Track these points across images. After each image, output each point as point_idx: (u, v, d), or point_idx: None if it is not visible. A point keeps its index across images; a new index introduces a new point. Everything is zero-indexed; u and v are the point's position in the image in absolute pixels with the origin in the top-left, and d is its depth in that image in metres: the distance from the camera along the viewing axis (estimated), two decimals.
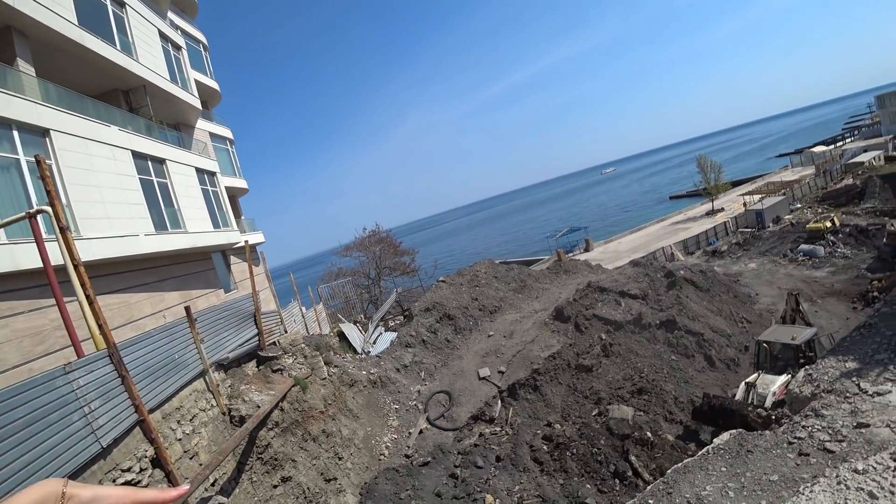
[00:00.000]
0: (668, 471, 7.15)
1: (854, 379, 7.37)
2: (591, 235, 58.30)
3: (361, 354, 20.15)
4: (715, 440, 7.49)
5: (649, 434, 15.41)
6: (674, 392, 18.16)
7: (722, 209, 55.28)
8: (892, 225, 29.48)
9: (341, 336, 21.49)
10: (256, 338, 13.80)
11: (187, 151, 19.54)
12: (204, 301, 17.91)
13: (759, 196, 51.77)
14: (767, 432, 7.03)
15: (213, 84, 26.34)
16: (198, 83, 23.58)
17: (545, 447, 15.06)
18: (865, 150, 55.30)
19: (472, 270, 28.32)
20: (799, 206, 44.36)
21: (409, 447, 14.99)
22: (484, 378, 18.62)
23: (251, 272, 14.68)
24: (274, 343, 14.87)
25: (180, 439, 8.64)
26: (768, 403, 13.04)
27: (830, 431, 6.42)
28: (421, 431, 15.89)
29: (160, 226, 15.79)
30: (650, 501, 6.53)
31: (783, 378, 14.25)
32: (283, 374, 13.38)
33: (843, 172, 49.47)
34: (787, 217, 41.72)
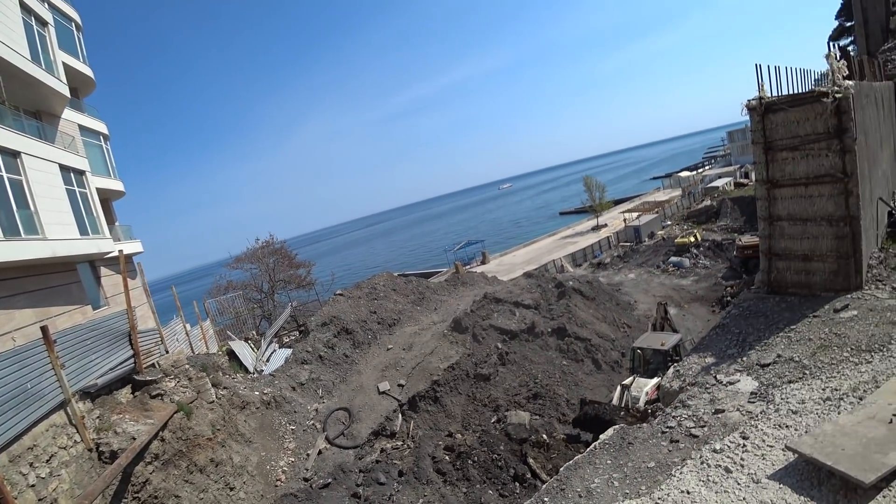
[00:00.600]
0: (561, 468, 7.62)
1: (712, 372, 8.39)
2: (487, 248, 60.33)
3: (254, 374, 18.92)
4: (601, 436, 8.13)
5: (545, 436, 16.18)
6: (566, 395, 19.27)
7: (605, 225, 60.13)
8: (740, 240, 34.16)
9: (231, 355, 19.99)
10: (132, 360, 12.43)
11: (50, 145, 16.95)
12: (67, 319, 15.67)
13: (637, 214, 57.19)
14: (645, 425, 7.79)
15: (87, 70, 22.90)
16: (67, 67, 20.34)
17: (447, 457, 15.19)
18: (720, 177, 63.46)
19: (370, 283, 27.96)
20: (669, 223, 49.66)
21: (307, 469, 14.29)
22: (384, 392, 18.38)
23: (126, 286, 13.23)
24: (153, 365, 13.46)
25: (34, 485, 7.46)
26: (641, 404, 14.21)
27: (695, 419, 7.26)
28: (320, 452, 15.24)
29: (10, 230, 13.50)
30: (545, 499, 6.88)
31: (655, 380, 15.43)
32: (164, 399, 12.15)
33: (703, 195, 56.27)
34: (660, 233, 46.50)
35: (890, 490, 4.97)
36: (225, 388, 15.40)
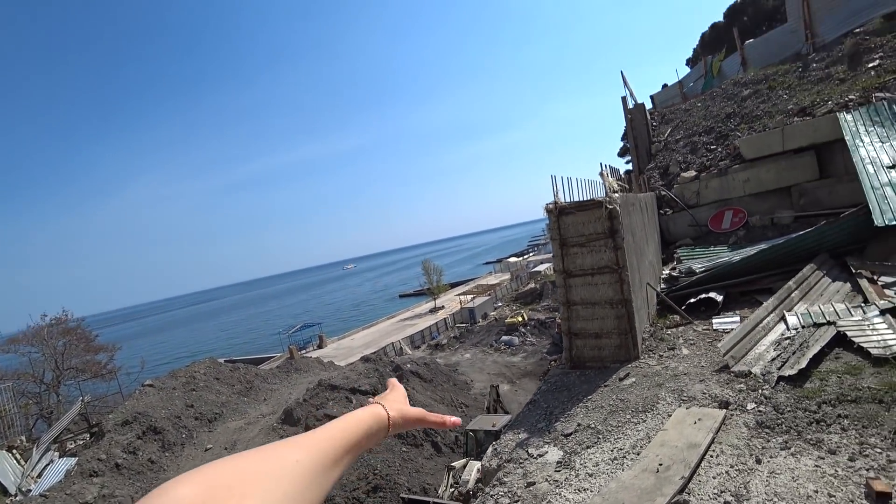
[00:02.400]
0: None
1: (524, 446, 9.05)
2: (325, 331, 58.50)
3: (15, 496, 14.97)
4: None
5: None
6: (406, 483, 18.70)
7: (443, 307, 62.83)
8: (558, 318, 38.51)
9: None
10: None
11: None
12: None
13: (472, 296, 61.17)
14: None
15: None
16: None
17: None
18: (542, 262, 71.84)
19: (188, 371, 24.93)
20: (500, 304, 53.92)
21: None
22: None
23: None
24: None
25: None
26: (471, 483, 14.32)
27: (510, 495, 7.66)
28: None
29: None
30: None
31: None
32: None
33: (528, 278, 62.85)
34: (492, 313, 50.10)
35: None
36: None
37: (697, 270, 16.80)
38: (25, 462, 17.13)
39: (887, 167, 15.92)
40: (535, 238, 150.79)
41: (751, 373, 9.35)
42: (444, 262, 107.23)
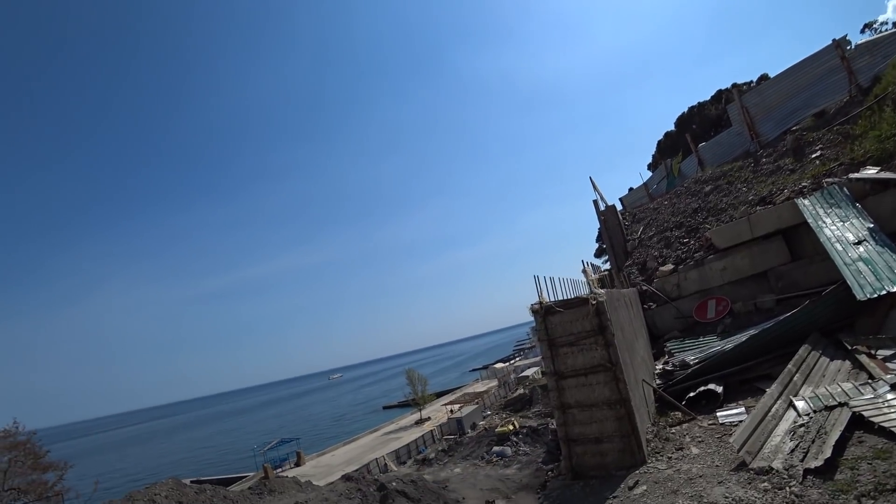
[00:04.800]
0: None
1: None
2: (303, 447, 54.35)
3: None
4: None
5: None
6: None
7: (429, 418, 59.56)
8: (552, 424, 36.50)
9: None
10: None
11: None
12: None
13: (459, 405, 58.36)
14: None
15: None
16: None
17: None
18: (530, 367, 69.69)
19: (147, 494, 21.93)
20: (489, 412, 51.29)
21: None
22: None
23: None
24: None
25: None
26: None
27: None
28: None
29: None
30: None
31: None
32: None
33: (516, 384, 60.51)
34: (481, 423, 47.35)
35: None
36: None
37: (691, 362, 16.25)
38: None
39: (853, 244, 16.35)
40: (521, 342, 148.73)
41: (772, 468, 8.53)
42: (429, 370, 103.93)
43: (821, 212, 18.72)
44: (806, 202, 19.60)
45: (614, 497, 9.56)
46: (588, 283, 11.73)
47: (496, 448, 37.96)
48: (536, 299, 11.92)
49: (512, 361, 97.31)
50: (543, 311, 11.65)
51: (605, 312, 11.01)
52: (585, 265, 15.43)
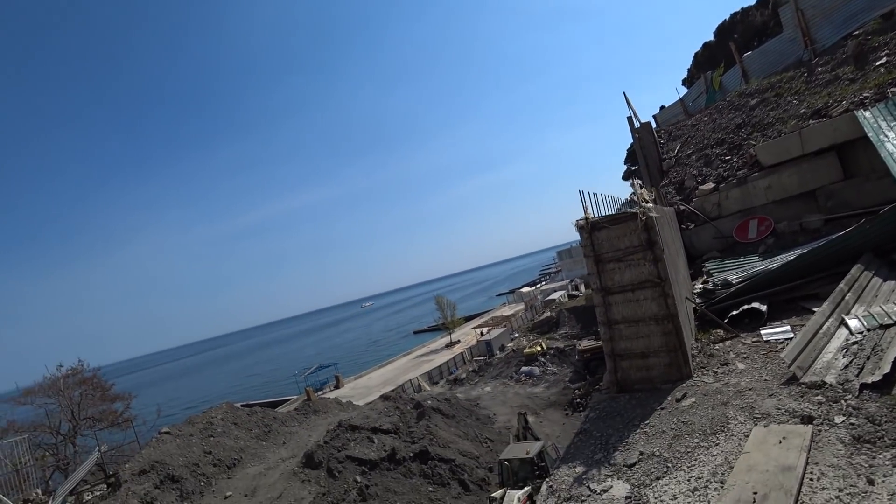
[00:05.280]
0: None
1: (584, 482, 8.19)
2: (341, 372, 57.38)
3: None
4: None
5: None
6: None
7: (459, 341, 61.67)
8: (579, 345, 37.33)
9: None
10: None
11: None
12: None
13: (487, 328, 59.96)
14: None
15: None
16: None
17: None
18: (555, 291, 70.46)
19: (205, 417, 24.09)
20: (517, 335, 52.66)
21: None
22: None
23: None
24: None
25: None
26: None
27: None
28: None
29: None
30: None
31: (526, 489, 15.58)
32: None
33: (543, 307, 61.50)
34: (510, 345, 48.85)
35: None
36: None
37: (734, 282, 16.01)
38: None
39: None
40: (547, 266, 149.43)
41: (825, 383, 8.53)
42: (457, 296, 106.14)
43: (883, 125, 17.45)
44: (867, 114, 18.24)
45: (662, 408, 9.78)
46: (637, 198, 11.32)
47: (524, 368, 39.37)
48: (580, 216, 11.63)
49: (538, 286, 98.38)
50: (589, 227, 11.43)
51: (655, 227, 10.76)
52: (633, 181, 14.87)
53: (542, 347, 41.82)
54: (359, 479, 19.58)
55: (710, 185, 23.82)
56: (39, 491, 19.06)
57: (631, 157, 59.66)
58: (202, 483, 19.02)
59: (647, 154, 31.43)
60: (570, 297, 61.17)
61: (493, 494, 16.31)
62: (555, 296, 64.45)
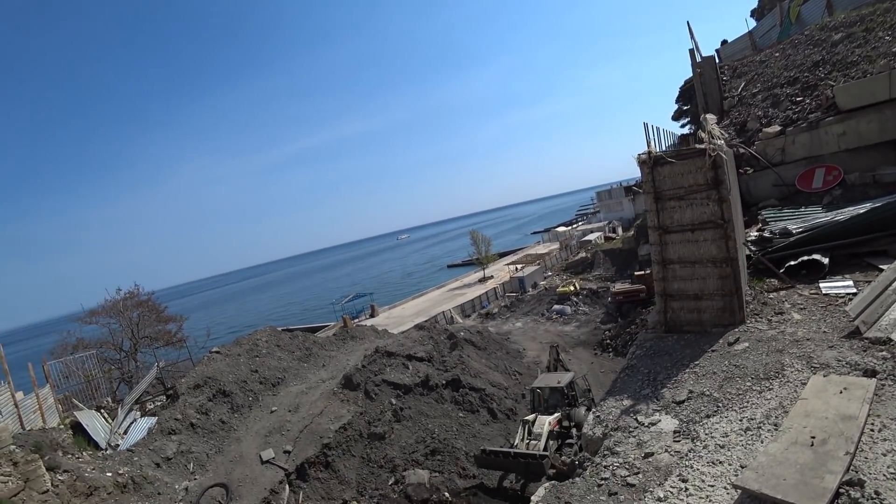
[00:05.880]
0: None
1: (631, 414, 8.30)
2: (376, 301, 59.07)
3: (106, 450, 15.54)
4: (532, 497, 7.50)
5: (447, 494, 15.64)
6: (464, 448, 18.73)
7: (492, 277, 62.11)
8: (614, 287, 37.11)
9: (77, 428, 16.27)
10: None
11: None
12: None
13: (521, 265, 60.04)
14: (578, 479, 7.34)
15: None
16: None
17: None
18: (592, 232, 69.27)
19: (251, 339, 25.42)
20: (550, 273, 52.61)
21: None
22: (268, 461, 16.25)
23: None
24: None
25: None
26: (544, 437, 15.24)
27: (627, 466, 6.97)
28: None
29: None
30: None
31: (555, 415, 16.78)
32: None
33: (578, 248, 60.84)
34: (542, 283, 48.96)
35: None
36: (65, 471, 12.27)
37: (794, 231, 15.23)
38: (112, 421, 17.98)
39: None
40: (584, 207, 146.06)
41: (890, 339, 8.18)
42: (491, 232, 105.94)
43: None
44: None
45: (713, 351, 9.67)
46: (707, 134, 10.59)
47: (556, 306, 39.61)
48: (643, 150, 11.05)
49: (574, 226, 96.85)
50: (652, 162, 10.88)
51: (723, 165, 10.18)
52: (704, 116, 13.89)
53: (576, 287, 41.76)
54: (394, 401, 20.61)
55: (776, 128, 22.20)
56: (109, 399, 21.02)
57: (683, 96, 55.98)
58: (250, 398, 20.34)
59: (707, 91, 29.37)
60: (607, 238, 60.21)
61: (526, 418, 17.25)
62: (591, 237, 63.49)
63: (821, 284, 12.07)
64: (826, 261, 13.33)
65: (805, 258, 13.70)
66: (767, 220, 18.46)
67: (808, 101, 22.53)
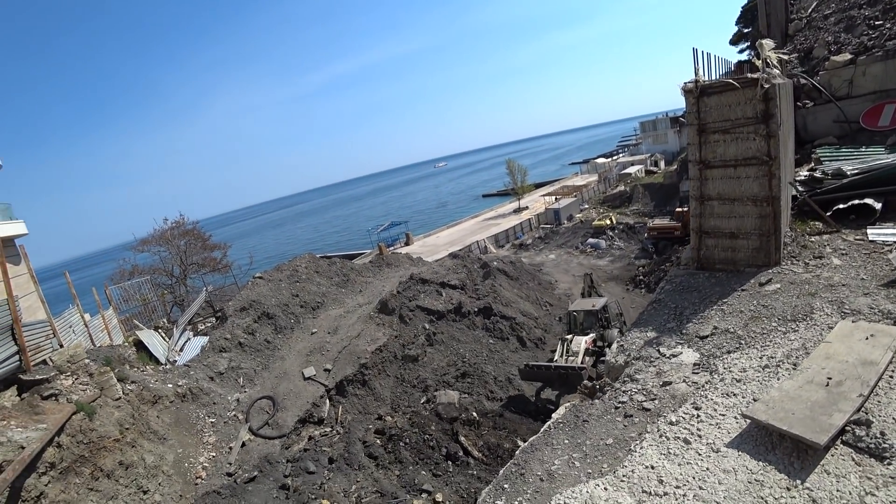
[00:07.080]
0: (518, 451, 7.49)
1: (654, 345, 8.64)
2: (411, 230, 59.92)
3: (166, 365, 17.20)
4: (553, 415, 8.10)
5: (475, 414, 16.61)
6: (493, 373, 19.70)
7: (527, 207, 61.63)
8: (651, 223, 36.48)
9: (139, 346, 18.01)
10: (17, 357, 10.67)
11: None
12: None
13: (557, 197, 59.18)
14: (597, 401, 7.87)
15: None
16: None
17: (378, 441, 14.91)
18: (632, 164, 66.83)
19: (291, 265, 26.61)
20: (586, 206, 51.82)
21: (230, 464, 13.22)
22: (309, 378, 17.58)
23: (5, 273, 11.32)
24: (44, 362, 11.74)
25: None
26: (581, 353, 16.84)
27: (644, 392, 7.40)
28: (243, 444, 14.18)
29: None
30: (505, 486, 6.67)
31: (591, 335, 18.31)
32: (60, 399, 10.57)
33: (617, 181, 59.21)
34: (578, 216, 48.43)
35: (836, 448, 5.33)
36: (133, 382, 13.79)
37: (849, 172, 14.45)
38: (168, 339, 19.76)
39: None
40: (626, 138, 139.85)
41: None
42: (528, 161, 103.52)
43: None
44: None
45: (743, 290, 9.73)
46: (763, 62, 9.85)
47: (591, 240, 39.43)
48: (690, 78, 10.47)
49: (614, 157, 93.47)
50: (698, 91, 10.37)
51: (775, 98, 9.61)
52: (761, 41, 12.83)
53: (612, 221, 41.23)
54: (427, 326, 21.56)
55: (846, 57, 20.32)
56: (165, 320, 22.87)
57: (745, 17, 51.36)
58: (292, 321, 21.64)
59: (771, 11, 26.82)
60: (648, 172, 58.07)
61: (565, 336, 18.84)
62: (631, 170, 61.39)
63: (868, 230, 11.62)
64: (879, 206, 12.69)
65: (856, 202, 13.10)
66: (822, 158, 17.49)
67: (889, 24, 20.40)
